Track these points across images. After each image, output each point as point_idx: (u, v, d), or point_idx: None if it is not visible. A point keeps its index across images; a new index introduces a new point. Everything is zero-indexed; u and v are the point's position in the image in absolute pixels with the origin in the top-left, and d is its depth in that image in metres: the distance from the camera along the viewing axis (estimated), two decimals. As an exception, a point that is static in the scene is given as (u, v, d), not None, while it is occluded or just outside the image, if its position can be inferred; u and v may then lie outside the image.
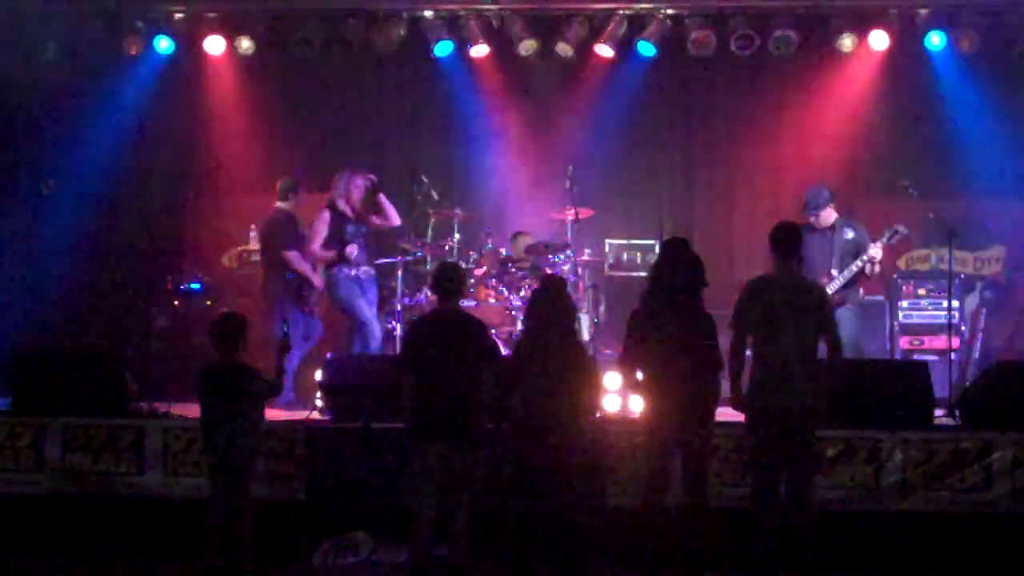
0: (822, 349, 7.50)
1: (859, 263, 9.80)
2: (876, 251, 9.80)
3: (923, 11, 11.70)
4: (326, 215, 10.52)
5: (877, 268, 9.93)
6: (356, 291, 10.48)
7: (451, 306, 7.59)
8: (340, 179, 10.65)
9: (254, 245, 11.29)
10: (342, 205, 10.57)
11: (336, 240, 10.46)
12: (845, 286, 9.83)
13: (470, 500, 7.35)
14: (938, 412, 8.87)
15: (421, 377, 7.35)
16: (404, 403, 7.44)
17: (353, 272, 10.48)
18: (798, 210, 10.01)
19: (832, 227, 9.97)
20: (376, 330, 10.45)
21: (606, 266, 11.71)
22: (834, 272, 9.81)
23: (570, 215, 11.19)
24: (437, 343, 7.37)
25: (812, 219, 9.93)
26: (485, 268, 10.88)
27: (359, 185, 10.65)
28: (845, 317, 9.72)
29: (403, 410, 7.45)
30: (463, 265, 10.83)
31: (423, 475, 7.31)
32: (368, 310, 10.50)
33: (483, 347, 7.43)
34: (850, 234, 9.98)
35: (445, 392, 7.29)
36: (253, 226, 11.00)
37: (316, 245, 10.53)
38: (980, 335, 11.40)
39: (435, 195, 11.32)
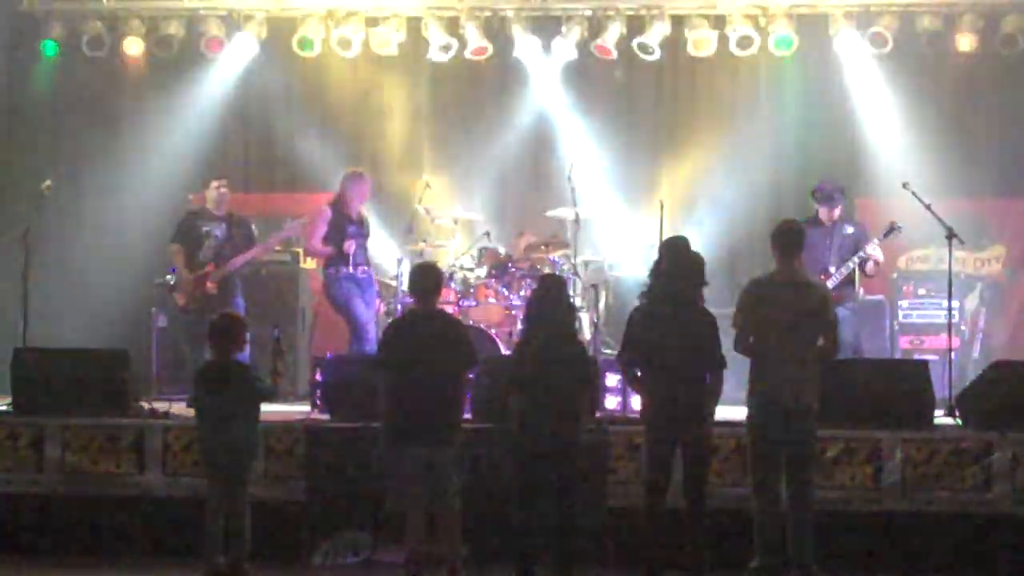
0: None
1: (856, 259, 9.82)
2: (875, 249, 9.81)
3: (923, 11, 11.70)
4: (327, 213, 10.53)
5: (877, 266, 9.94)
6: (353, 291, 10.48)
7: (427, 306, 7.57)
8: (347, 180, 10.64)
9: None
10: (345, 206, 10.56)
11: (336, 239, 10.46)
12: (842, 284, 9.84)
13: (455, 499, 7.34)
14: (938, 412, 8.87)
15: (397, 378, 7.34)
16: (381, 404, 7.43)
17: (351, 272, 10.48)
18: (798, 209, 10.00)
19: (835, 223, 9.97)
20: (372, 331, 10.43)
21: (606, 266, 11.70)
22: (831, 270, 9.81)
23: (570, 215, 11.20)
24: (413, 344, 7.36)
25: (823, 214, 9.92)
26: (485, 268, 10.87)
27: (364, 192, 10.65)
28: (842, 317, 9.70)
29: (380, 411, 7.44)
30: (463, 265, 10.85)
31: (405, 476, 7.30)
32: (365, 311, 10.50)
33: (461, 347, 7.42)
34: (850, 230, 10.00)
35: (421, 393, 7.27)
36: (253, 226, 11.00)
37: (314, 240, 10.55)
38: (980, 335, 11.40)
39: (435, 195, 11.31)
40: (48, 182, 10.55)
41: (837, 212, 10.00)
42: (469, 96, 12.56)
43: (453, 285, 10.49)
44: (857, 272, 9.98)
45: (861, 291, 10.20)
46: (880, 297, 11.33)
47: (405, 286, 10.79)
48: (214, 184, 10.73)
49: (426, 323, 7.45)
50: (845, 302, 9.80)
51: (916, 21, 11.74)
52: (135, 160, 12.41)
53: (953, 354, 10.06)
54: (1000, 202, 11.93)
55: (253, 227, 10.92)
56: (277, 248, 11.33)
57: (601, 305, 11.01)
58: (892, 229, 9.92)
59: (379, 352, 7.61)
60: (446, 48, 12.07)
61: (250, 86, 12.50)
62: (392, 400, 7.34)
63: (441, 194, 11.40)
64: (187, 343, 10.52)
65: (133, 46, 12.09)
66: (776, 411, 7.30)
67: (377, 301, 10.78)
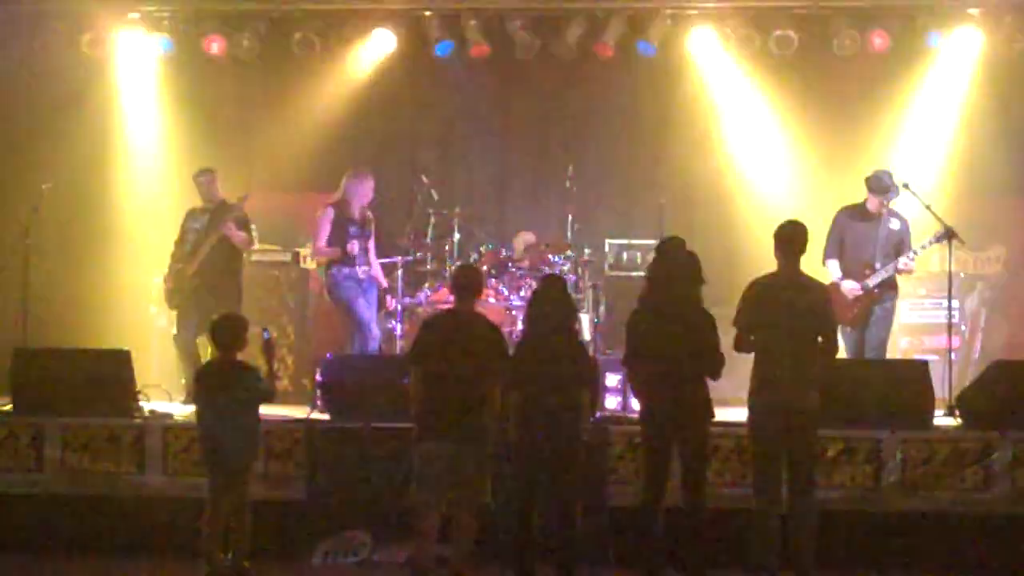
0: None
1: (895, 265, 9.80)
2: (907, 264, 9.81)
3: (923, 11, 11.70)
4: (330, 213, 10.52)
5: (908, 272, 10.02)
6: (355, 291, 10.48)
7: (465, 306, 7.58)
8: (350, 180, 10.63)
9: (254, 244, 11.30)
10: (347, 206, 10.56)
11: (338, 239, 10.46)
12: (882, 283, 9.84)
13: (477, 501, 7.33)
14: (938, 412, 8.87)
15: (430, 375, 7.34)
16: (412, 400, 7.44)
17: (352, 271, 10.47)
18: (798, 209, 9.98)
19: (883, 215, 9.95)
20: (375, 330, 10.45)
21: (606, 266, 11.70)
22: (877, 265, 9.82)
23: (570, 215, 11.21)
24: (448, 342, 7.37)
25: (872, 204, 9.91)
26: (485, 268, 10.88)
27: (366, 192, 10.65)
28: (878, 315, 9.79)
29: (411, 407, 7.45)
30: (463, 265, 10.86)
31: (429, 473, 7.30)
32: (367, 310, 10.50)
33: (494, 350, 7.43)
34: (896, 225, 9.96)
35: (454, 391, 7.28)
36: (253, 226, 11.00)
37: (320, 243, 10.53)
38: (980, 335, 11.41)
39: (435, 195, 11.32)
40: (48, 185, 10.56)
41: (888, 205, 9.96)
42: (469, 96, 12.55)
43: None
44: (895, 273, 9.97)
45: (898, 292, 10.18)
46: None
47: (408, 286, 10.89)
48: (196, 178, 10.55)
49: (461, 323, 7.46)
50: (884, 301, 9.82)
51: (915, 21, 11.73)
52: (136, 159, 12.41)
53: (953, 354, 10.08)
54: (1000, 202, 11.92)
55: (242, 217, 10.50)
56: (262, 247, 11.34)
57: (601, 305, 11.02)
58: (947, 236, 9.77)
59: (412, 348, 7.62)
60: (447, 48, 12.05)
61: (252, 85, 12.48)
62: (422, 397, 7.35)
63: (441, 193, 11.39)
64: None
65: (133, 46, 12.07)
66: (777, 412, 7.29)
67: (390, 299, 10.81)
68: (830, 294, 7.75)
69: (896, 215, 10.02)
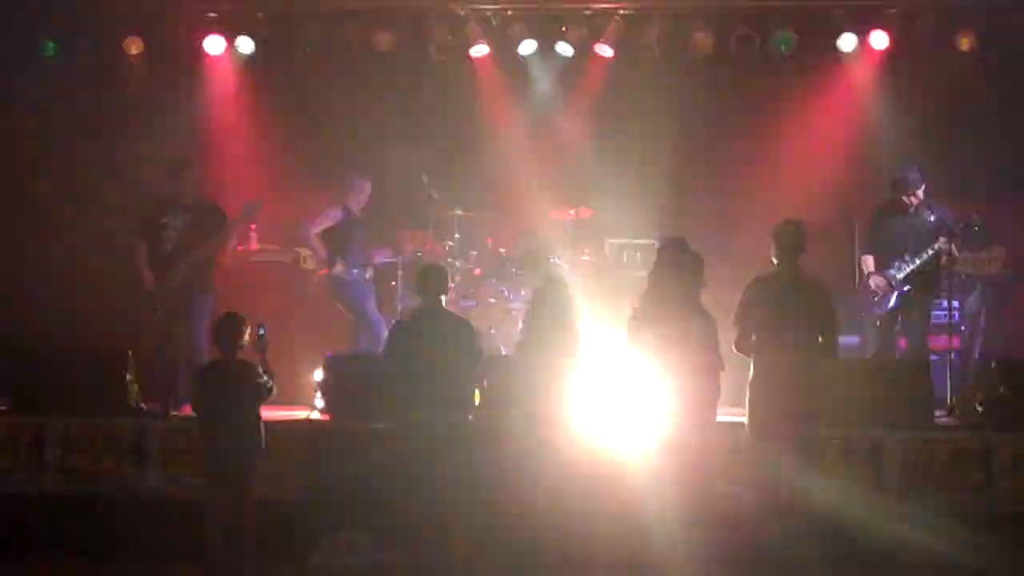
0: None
1: (931, 250, 9.78)
2: (944, 243, 9.76)
3: (923, 11, 11.70)
4: (338, 212, 10.62)
5: (952, 259, 9.88)
6: (366, 291, 10.59)
7: (434, 304, 7.62)
8: (349, 187, 10.71)
9: (254, 244, 11.29)
10: (354, 208, 10.65)
11: (345, 240, 10.52)
12: (919, 274, 9.82)
13: (468, 498, 7.36)
14: (938, 412, 8.87)
15: (405, 375, 7.38)
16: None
17: (361, 272, 10.58)
18: (798, 208, 9.98)
19: (916, 208, 9.97)
20: (383, 330, 10.47)
21: (606, 266, 11.70)
22: (907, 257, 9.83)
23: (570, 215, 11.21)
24: (423, 341, 7.40)
25: (904, 200, 9.93)
26: (485, 268, 10.89)
27: (365, 196, 10.73)
28: (912, 304, 9.71)
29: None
30: (461, 265, 10.87)
31: (416, 472, 7.33)
32: (377, 311, 10.61)
33: (467, 347, 7.49)
34: (931, 217, 9.98)
35: (432, 390, 7.30)
36: (253, 226, 10.99)
37: (315, 230, 10.58)
38: (980, 335, 11.40)
39: (435, 195, 11.32)
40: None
41: (916, 197, 9.95)
42: (469, 96, 12.55)
43: (453, 285, 10.50)
44: (934, 262, 9.92)
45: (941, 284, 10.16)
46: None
47: (408, 286, 10.89)
48: (179, 172, 10.12)
49: (431, 321, 7.49)
50: (919, 292, 9.84)
51: (915, 20, 11.73)
52: (136, 157, 12.39)
53: (953, 354, 10.07)
54: (1000, 202, 11.92)
55: (226, 215, 10.20)
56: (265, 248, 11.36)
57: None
58: (968, 225, 9.78)
59: (385, 349, 7.70)
60: (447, 47, 12.06)
61: (251, 85, 12.48)
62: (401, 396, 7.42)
63: (441, 193, 11.39)
64: (157, 346, 10.01)
65: (133, 46, 12.07)
66: (777, 410, 7.29)
67: None
68: (830, 294, 7.75)
69: (931, 207, 10.03)
